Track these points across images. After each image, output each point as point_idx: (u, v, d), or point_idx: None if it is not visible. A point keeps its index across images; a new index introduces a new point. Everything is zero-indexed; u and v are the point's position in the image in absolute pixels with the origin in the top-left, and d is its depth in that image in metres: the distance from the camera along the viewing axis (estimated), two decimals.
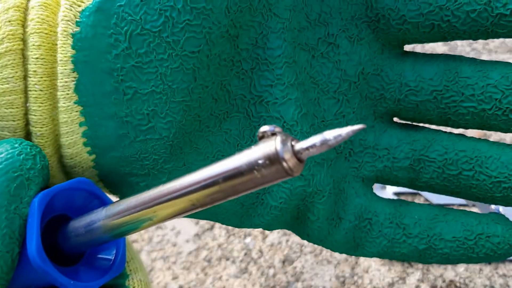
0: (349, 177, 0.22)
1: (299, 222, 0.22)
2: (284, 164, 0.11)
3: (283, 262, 0.39)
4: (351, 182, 0.22)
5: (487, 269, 0.36)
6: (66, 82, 0.17)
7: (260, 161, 0.11)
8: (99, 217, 0.15)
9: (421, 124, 0.22)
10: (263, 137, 0.12)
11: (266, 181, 0.12)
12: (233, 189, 0.12)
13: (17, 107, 0.17)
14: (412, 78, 0.20)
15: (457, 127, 0.21)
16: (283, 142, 0.11)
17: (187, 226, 0.43)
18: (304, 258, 0.39)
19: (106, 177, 0.19)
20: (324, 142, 0.11)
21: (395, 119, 0.23)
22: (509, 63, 0.20)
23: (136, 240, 0.43)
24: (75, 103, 0.17)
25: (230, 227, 0.42)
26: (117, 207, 0.15)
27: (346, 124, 0.21)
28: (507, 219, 0.22)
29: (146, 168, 0.18)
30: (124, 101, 0.17)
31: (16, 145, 0.16)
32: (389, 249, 0.22)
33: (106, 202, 0.17)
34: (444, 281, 0.35)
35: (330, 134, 0.11)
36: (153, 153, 0.18)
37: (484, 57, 0.52)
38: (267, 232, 0.41)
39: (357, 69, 0.21)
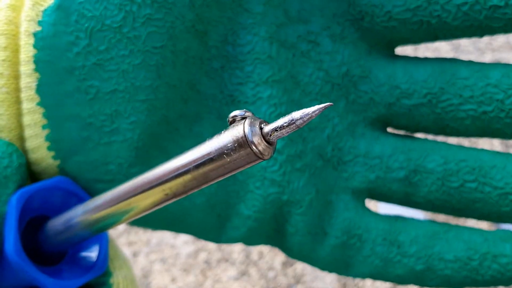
0: (338, 189, 0.20)
1: (280, 236, 0.20)
2: (254, 147, 0.11)
3: (284, 264, 0.38)
4: (339, 194, 0.20)
5: None
6: (28, 82, 0.17)
7: (229, 145, 0.12)
8: (77, 213, 0.15)
9: (417, 135, 0.21)
10: (233, 121, 0.12)
11: (237, 166, 0.12)
12: (206, 176, 0.12)
13: None
14: (404, 80, 0.19)
15: (457, 135, 0.20)
16: (251, 125, 0.11)
17: None
18: None
19: None
20: (292, 122, 0.11)
21: (390, 130, 0.21)
22: (509, 64, 0.19)
23: (135, 242, 0.43)
24: (37, 104, 0.17)
25: None
26: (94, 203, 0.15)
27: (332, 130, 0.20)
28: None
29: (111, 174, 0.18)
30: (86, 101, 0.17)
31: None
32: (382, 269, 0.20)
33: (84, 200, 0.17)
34: None
35: (298, 114, 0.11)
36: (118, 156, 0.18)
37: (488, 55, 0.51)
38: None
39: (341, 70, 0.19)
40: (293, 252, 0.20)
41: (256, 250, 0.40)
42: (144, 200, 0.14)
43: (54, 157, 0.18)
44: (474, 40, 0.53)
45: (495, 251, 0.19)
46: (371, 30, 0.19)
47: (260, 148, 0.11)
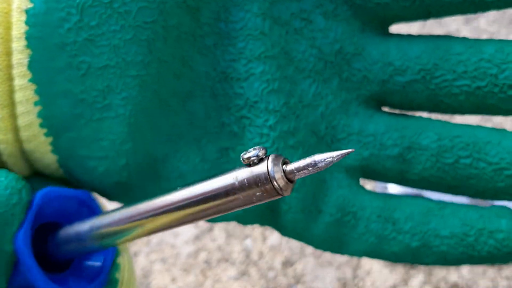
0: (331, 167, 0.20)
1: (274, 214, 0.20)
2: (276, 184, 0.12)
3: (284, 264, 0.38)
4: (333, 172, 0.20)
5: (490, 271, 0.35)
6: (20, 59, 0.17)
7: (253, 179, 0.12)
8: (88, 227, 0.16)
9: (412, 113, 0.21)
10: (249, 164, 0.12)
11: (258, 200, 0.13)
12: (228, 207, 0.13)
13: None
14: (397, 57, 0.19)
15: (451, 112, 0.20)
16: (274, 162, 0.12)
17: (186, 228, 0.43)
18: (305, 260, 0.38)
19: (65, 163, 0.19)
20: (314, 165, 0.12)
21: (385, 109, 0.21)
22: (503, 39, 0.18)
23: (135, 242, 0.43)
24: (29, 81, 0.17)
25: (230, 228, 0.42)
26: (104, 219, 0.15)
27: (326, 108, 0.19)
28: None
29: (104, 150, 0.18)
30: (78, 77, 0.17)
31: (2, 179, 0.16)
32: (377, 247, 0.20)
33: (95, 211, 0.18)
34: (447, 283, 0.35)
35: (320, 157, 0.12)
36: (110, 132, 0.18)
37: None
38: (267, 233, 0.41)
39: (333, 48, 0.19)
40: (287, 230, 0.20)
41: (256, 250, 0.40)
42: (158, 221, 0.14)
43: (46, 134, 0.18)
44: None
45: (491, 227, 0.19)
46: (364, 7, 0.19)
47: (281, 185, 0.12)
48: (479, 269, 0.35)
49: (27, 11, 0.17)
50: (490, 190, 0.19)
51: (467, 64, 0.18)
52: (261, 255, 0.39)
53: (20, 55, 0.17)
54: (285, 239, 0.40)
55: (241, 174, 0.12)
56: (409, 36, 0.20)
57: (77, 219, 0.17)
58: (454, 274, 0.36)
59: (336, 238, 0.20)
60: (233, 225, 0.42)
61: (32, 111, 0.17)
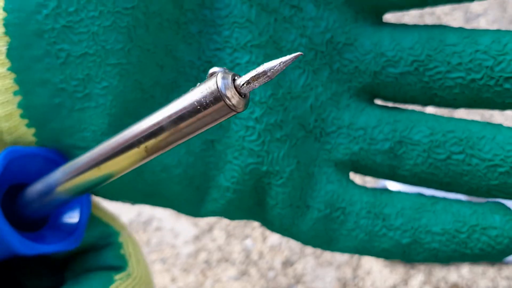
0: (320, 161, 0.19)
1: (260, 209, 0.20)
2: (227, 100, 0.12)
3: (284, 264, 0.38)
4: (322, 167, 0.19)
5: (490, 271, 0.35)
6: None
7: (203, 100, 0.12)
8: (56, 177, 0.15)
9: (405, 107, 0.20)
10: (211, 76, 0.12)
11: (213, 119, 0.12)
12: (182, 130, 0.13)
13: None
14: (390, 48, 0.18)
15: (446, 105, 0.19)
16: (224, 78, 0.12)
17: (186, 228, 0.43)
18: (305, 260, 0.38)
19: None
20: (263, 73, 0.12)
21: (378, 102, 0.20)
22: (500, 29, 0.18)
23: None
24: (8, 69, 0.16)
25: (230, 228, 0.42)
26: (72, 166, 0.15)
27: (315, 100, 0.19)
28: (507, 208, 0.19)
29: (86, 140, 0.17)
30: (57, 65, 0.16)
31: None
32: (367, 243, 0.19)
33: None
34: (447, 283, 0.35)
35: (269, 64, 0.12)
36: (91, 123, 0.17)
37: None
38: (267, 233, 0.41)
39: (325, 37, 0.19)
40: (274, 226, 0.20)
41: (256, 250, 0.40)
42: (123, 160, 0.14)
43: (28, 125, 0.17)
44: None
45: (485, 223, 0.18)
46: None
47: (233, 101, 0.12)
48: (479, 269, 0.35)
49: None
50: (483, 188, 0.18)
51: (462, 56, 0.17)
52: (261, 255, 0.39)
53: None
54: (285, 239, 0.40)
55: (193, 95, 0.12)
56: (403, 25, 0.19)
57: (43, 174, 0.17)
58: (454, 274, 0.36)
59: (324, 234, 0.19)
60: (233, 225, 0.42)
61: (11, 100, 0.17)
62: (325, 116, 0.19)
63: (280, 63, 0.12)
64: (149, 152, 0.13)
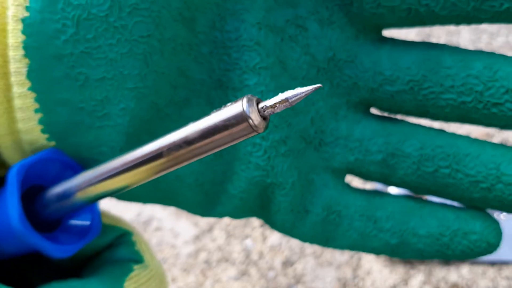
0: (319, 168, 0.21)
1: (264, 212, 0.21)
2: (250, 121, 0.13)
3: (284, 264, 0.38)
4: (320, 174, 0.21)
5: (490, 271, 0.35)
6: (18, 67, 0.17)
7: (230, 119, 0.13)
8: (75, 183, 0.16)
9: (400, 116, 0.21)
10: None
11: (235, 138, 0.13)
12: (206, 147, 0.14)
13: None
14: (388, 67, 0.19)
15: (437, 120, 0.20)
16: (249, 101, 0.13)
17: (186, 228, 0.43)
18: (305, 260, 0.38)
19: None
20: (285, 101, 0.13)
21: (374, 110, 0.21)
22: (493, 53, 0.19)
23: None
24: (28, 89, 0.17)
25: (230, 228, 0.42)
26: (94, 173, 0.16)
27: (316, 113, 0.20)
28: (488, 215, 0.20)
29: (105, 155, 0.18)
30: (76, 87, 0.17)
31: None
32: (359, 242, 0.21)
33: (78, 171, 0.18)
34: (447, 283, 0.35)
35: (291, 93, 0.13)
36: (110, 140, 0.18)
37: None
38: (267, 233, 0.41)
39: (327, 55, 0.19)
40: (277, 227, 0.21)
41: (256, 250, 0.40)
42: (143, 172, 0.15)
43: (49, 139, 0.18)
44: (474, 40, 0.54)
45: (466, 228, 0.20)
46: (360, 15, 0.19)
47: (256, 122, 0.13)
48: (478, 269, 0.35)
49: (23, 20, 0.16)
50: (466, 199, 0.20)
51: (455, 79, 0.18)
52: (261, 255, 0.39)
53: (18, 64, 0.17)
54: (285, 239, 0.40)
55: (219, 115, 0.13)
56: (402, 43, 0.20)
57: (59, 177, 0.17)
58: (454, 274, 0.35)
59: (322, 235, 0.21)
60: (233, 225, 0.42)
61: (32, 117, 0.17)
62: (324, 128, 0.20)
63: (301, 92, 0.13)
64: (168, 166, 0.14)
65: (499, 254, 0.36)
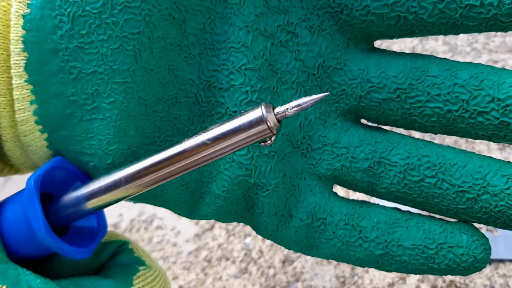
0: (305, 174, 0.21)
1: (249, 215, 0.21)
2: (268, 123, 0.15)
3: (283, 262, 0.39)
4: (307, 179, 0.21)
5: (487, 269, 0.36)
6: (17, 60, 0.18)
7: (250, 121, 0.15)
8: (84, 193, 0.18)
9: (389, 128, 0.21)
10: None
11: (253, 138, 0.16)
12: (227, 147, 0.16)
13: None
14: (376, 75, 0.20)
15: (424, 131, 0.20)
16: (266, 107, 0.15)
17: (187, 226, 0.43)
18: (304, 258, 0.39)
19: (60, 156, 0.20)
20: (297, 105, 0.16)
21: (364, 121, 0.22)
22: (480, 64, 0.19)
23: (136, 240, 0.43)
24: (25, 81, 0.18)
25: (230, 227, 0.42)
26: (99, 184, 0.17)
27: (305, 118, 0.20)
28: (476, 229, 0.20)
29: (93, 148, 0.19)
30: (69, 80, 0.18)
31: None
32: (343, 252, 0.21)
33: (82, 178, 0.19)
34: (444, 281, 0.35)
35: (302, 100, 0.15)
36: (98, 133, 0.19)
37: (485, 56, 0.52)
38: None
39: (317, 61, 0.20)
40: (260, 231, 0.21)
41: (256, 249, 0.40)
42: (168, 172, 0.17)
43: (42, 131, 0.19)
44: (471, 41, 0.54)
45: (452, 242, 0.19)
46: (350, 23, 0.19)
47: (271, 123, 0.15)
48: None
49: (24, 16, 0.17)
50: (452, 210, 0.20)
51: (442, 88, 0.19)
52: (261, 253, 0.40)
53: (17, 57, 0.18)
54: None
55: (242, 119, 0.16)
56: (391, 53, 0.20)
57: (67, 186, 0.18)
58: None
59: (306, 241, 0.21)
60: (233, 224, 0.42)
61: (28, 108, 0.18)
62: (312, 134, 0.21)
63: (311, 99, 0.16)
64: (190, 167, 0.16)
65: (496, 252, 0.36)
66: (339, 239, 0.21)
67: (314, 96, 0.16)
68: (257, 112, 0.15)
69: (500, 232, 0.37)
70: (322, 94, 0.16)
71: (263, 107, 0.15)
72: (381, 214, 0.21)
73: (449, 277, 0.35)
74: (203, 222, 0.43)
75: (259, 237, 0.41)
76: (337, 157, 0.20)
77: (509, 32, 0.19)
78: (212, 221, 0.43)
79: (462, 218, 0.20)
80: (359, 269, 0.37)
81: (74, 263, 0.20)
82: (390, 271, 0.21)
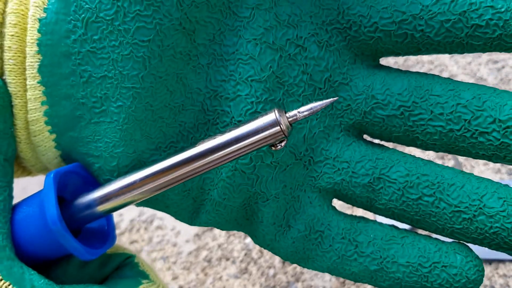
0: (306, 186, 0.21)
1: (248, 223, 0.22)
2: (282, 126, 0.16)
3: (283, 262, 0.39)
4: (307, 191, 0.21)
5: (487, 269, 0.36)
6: (31, 62, 0.18)
7: (264, 124, 0.17)
8: (94, 197, 0.18)
9: (391, 145, 0.22)
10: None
11: (267, 140, 0.17)
12: (242, 149, 0.17)
13: None
14: (381, 91, 0.20)
15: (426, 149, 0.20)
16: (279, 111, 0.17)
17: (187, 226, 0.43)
18: None
19: (67, 157, 0.20)
20: (309, 109, 0.17)
21: (366, 137, 0.22)
22: (483, 85, 0.19)
23: (137, 240, 0.43)
24: (38, 82, 0.19)
25: None
26: (110, 189, 0.18)
27: (309, 131, 0.20)
28: (470, 250, 0.20)
29: (99, 150, 0.19)
30: (80, 83, 0.19)
31: None
32: (339, 265, 0.21)
33: (95, 185, 0.20)
34: None
35: (313, 104, 0.17)
36: (105, 136, 0.19)
37: (485, 56, 0.52)
38: None
39: (324, 75, 0.20)
40: (258, 240, 0.22)
41: (256, 249, 0.40)
42: (182, 174, 0.18)
43: (51, 131, 0.19)
44: None
45: (446, 261, 0.20)
46: (358, 39, 0.20)
47: (284, 126, 0.16)
48: None
49: (40, 20, 0.18)
50: (448, 230, 0.20)
51: (445, 107, 0.19)
52: (261, 253, 0.40)
53: (31, 59, 0.18)
54: None
55: (256, 122, 0.17)
56: (397, 71, 0.20)
57: (79, 192, 0.19)
58: None
59: (302, 253, 0.21)
60: None
61: (39, 108, 0.19)
62: (315, 147, 0.21)
63: (321, 103, 0.17)
64: (203, 170, 0.17)
65: (496, 253, 0.36)
66: (335, 252, 0.21)
67: (325, 101, 0.17)
68: (270, 116, 0.17)
69: None
70: (331, 99, 0.17)
71: (276, 111, 0.17)
72: (378, 230, 0.21)
73: None
74: None
75: None
76: (338, 171, 0.21)
77: None
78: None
79: (457, 238, 0.20)
80: None
81: (78, 272, 0.20)
82: (383, 287, 0.21)
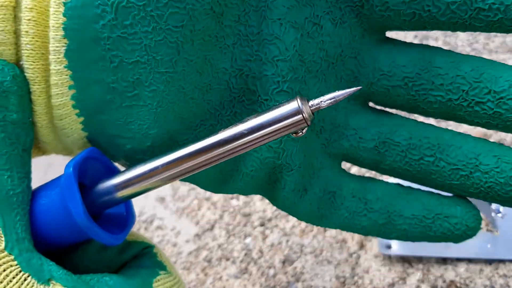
0: (318, 153, 0.23)
1: (270, 188, 0.23)
2: (304, 114, 0.17)
3: (283, 262, 0.39)
4: (319, 158, 0.23)
5: (487, 269, 0.36)
6: (57, 47, 0.18)
7: (287, 112, 0.17)
8: (116, 182, 0.18)
9: (394, 111, 0.23)
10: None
11: (289, 128, 0.17)
12: (264, 136, 0.17)
13: (6, 58, 0.18)
14: (386, 64, 0.21)
15: (426, 116, 0.22)
16: (302, 100, 0.17)
17: (187, 226, 0.43)
18: (304, 259, 0.39)
19: (94, 139, 0.20)
20: (331, 98, 0.17)
21: (371, 104, 0.23)
22: (482, 58, 0.20)
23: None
24: (65, 67, 0.18)
25: (230, 228, 0.42)
26: (132, 174, 0.18)
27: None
28: (469, 202, 0.22)
29: (132, 132, 0.20)
30: (110, 68, 0.18)
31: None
32: (350, 221, 0.23)
33: (112, 169, 0.20)
34: (444, 282, 0.35)
35: (336, 93, 0.17)
36: (138, 118, 0.19)
37: (485, 56, 0.52)
38: (267, 232, 0.41)
39: (337, 51, 0.21)
40: (277, 203, 0.23)
41: (256, 249, 0.40)
42: (201, 163, 0.18)
43: (78, 115, 0.19)
44: (471, 41, 0.54)
45: (447, 212, 0.22)
46: (368, 16, 0.21)
47: (306, 115, 0.17)
48: (476, 267, 0.36)
49: (65, 4, 0.18)
50: (447, 185, 0.22)
51: (445, 78, 0.20)
52: (261, 253, 0.40)
53: (57, 44, 0.18)
54: (285, 238, 0.40)
55: (278, 110, 0.17)
56: (402, 44, 0.22)
57: (98, 177, 0.19)
58: (451, 272, 0.36)
59: (317, 212, 0.23)
60: (233, 224, 0.42)
61: (66, 93, 0.19)
62: (325, 116, 0.22)
63: (344, 92, 0.17)
64: (227, 155, 0.18)
65: (496, 253, 0.36)
66: (346, 209, 0.23)
67: (348, 90, 0.17)
68: (293, 104, 0.17)
69: (500, 232, 0.37)
70: (355, 88, 0.17)
71: (298, 99, 0.17)
72: (385, 188, 0.23)
73: (449, 277, 0.35)
74: (203, 222, 0.43)
75: (259, 237, 0.41)
76: (346, 137, 0.22)
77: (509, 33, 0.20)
78: (212, 221, 0.43)
79: (456, 193, 0.22)
80: (359, 269, 0.37)
81: (96, 259, 0.20)
82: (391, 238, 0.23)
